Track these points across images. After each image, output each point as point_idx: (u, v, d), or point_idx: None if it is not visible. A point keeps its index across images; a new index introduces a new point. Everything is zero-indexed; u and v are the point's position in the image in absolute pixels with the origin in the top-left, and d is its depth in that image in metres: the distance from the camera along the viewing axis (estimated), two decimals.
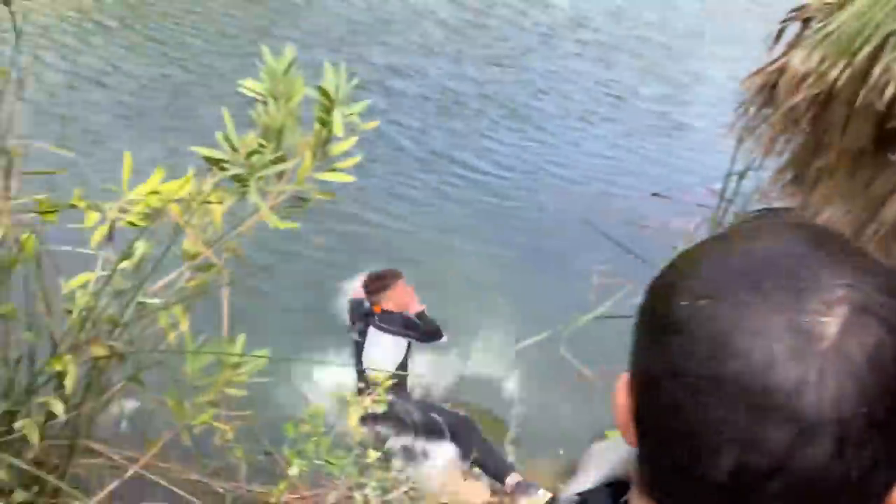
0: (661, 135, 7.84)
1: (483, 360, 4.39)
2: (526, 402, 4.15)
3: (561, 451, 3.80)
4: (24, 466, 1.93)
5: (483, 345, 4.49)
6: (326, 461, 2.73)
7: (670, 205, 6.54)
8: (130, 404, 2.61)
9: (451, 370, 4.28)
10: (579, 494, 0.59)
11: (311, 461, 2.68)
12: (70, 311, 2.11)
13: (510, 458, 3.73)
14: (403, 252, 5.17)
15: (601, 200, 6.56)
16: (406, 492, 3.06)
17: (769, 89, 4.33)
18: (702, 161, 7.23)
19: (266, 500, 2.72)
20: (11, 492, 2.13)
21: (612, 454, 0.60)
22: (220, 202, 2.03)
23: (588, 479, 0.60)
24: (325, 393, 3.41)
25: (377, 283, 3.88)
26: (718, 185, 6.14)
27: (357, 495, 2.90)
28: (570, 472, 0.72)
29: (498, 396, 4.21)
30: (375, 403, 2.77)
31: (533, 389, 4.22)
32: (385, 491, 3.00)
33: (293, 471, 2.49)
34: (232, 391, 2.08)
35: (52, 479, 2.12)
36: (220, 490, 2.50)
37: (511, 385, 4.26)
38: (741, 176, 5.29)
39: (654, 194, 6.66)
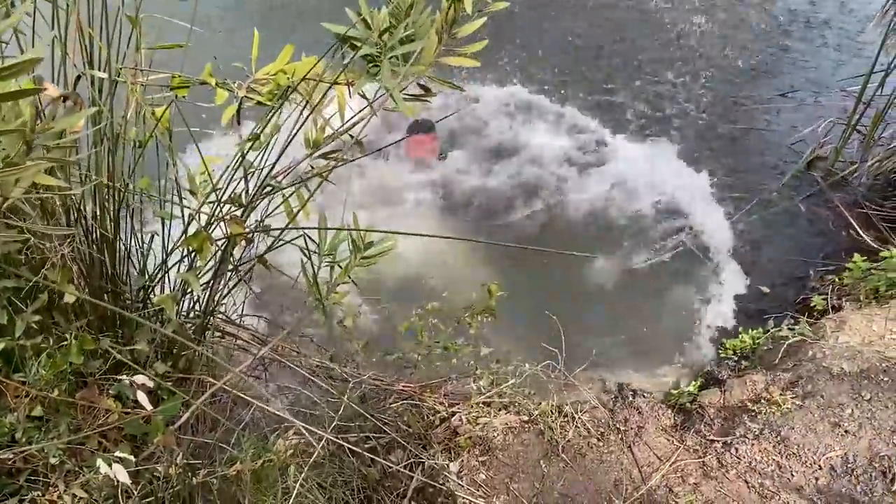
0: (793, 33, 7.19)
1: None
2: None
3: None
4: (168, 333, 1.97)
5: None
6: (445, 348, 2.74)
7: (799, 107, 6.07)
8: (255, 287, 2.64)
9: None
10: None
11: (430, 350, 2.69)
12: (194, 194, 2.10)
13: None
14: None
15: (724, 102, 6.14)
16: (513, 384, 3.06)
17: None
18: (839, 62, 6.63)
19: (384, 386, 2.77)
20: (151, 364, 2.21)
21: None
22: (352, 83, 1.93)
23: None
24: None
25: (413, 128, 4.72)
26: (855, 87, 5.64)
27: (472, 384, 2.92)
28: None
29: None
30: None
31: None
32: (496, 384, 3.01)
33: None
34: (361, 271, 2.04)
35: (193, 346, 2.18)
36: (346, 375, 2.54)
37: None
38: (887, 72, 4.78)
39: (782, 95, 6.15)
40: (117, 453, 1.71)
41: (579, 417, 2.92)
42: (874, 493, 2.50)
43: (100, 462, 1.62)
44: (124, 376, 1.84)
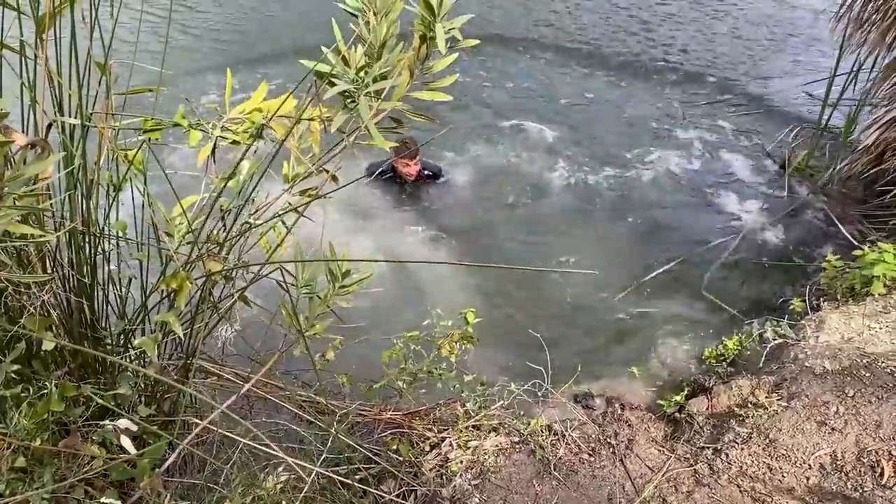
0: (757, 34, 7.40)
1: None
2: None
3: None
4: (151, 374, 1.96)
5: None
6: (430, 372, 2.74)
7: (765, 109, 6.21)
8: (236, 324, 2.64)
9: None
10: None
11: (415, 377, 2.69)
12: (170, 235, 2.11)
13: None
14: None
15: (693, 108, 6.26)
16: (501, 406, 3.06)
17: None
18: (799, 62, 6.83)
19: (372, 417, 2.76)
20: (134, 408, 2.19)
21: None
22: (330, 118, 1.95)
23: None
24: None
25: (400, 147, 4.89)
26: (816, 90, 5.78)
27: (459, 408, 2.92)
28: None
29: None
30: None
31: None
32: (483, 407, 3.01)
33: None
34: (342, 303, 2.05)
35: (177, 385, 2.16)
36: (333, 407, 2.53)
37: None
38: (850, 76, 4.90)
39: (749, 101, 6.29)
40: (104, 500, 1.70)
41: (569, 434, 2.92)
42: (864, 489, 2.52)
43: None
44: (107, 422, 1.83)
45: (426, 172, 5.19)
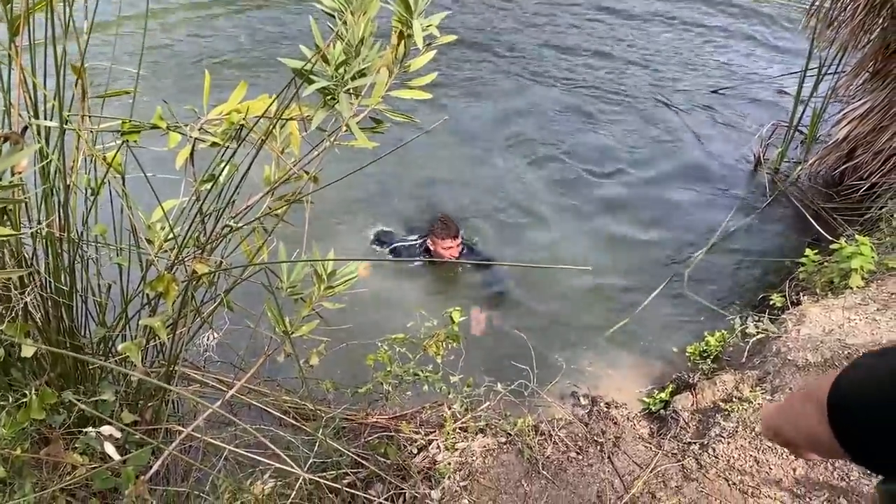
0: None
1: None
2: None
3: None
4: (137, 375, 1.92)
5: None
6: (416, 374, 2.72)
7: (736, 105, 6.28)
8: (218, 331, 2.60)
9: None
10: None
11: (401, 379, 2.67)
12: (151, 241, 2.07)
13: None
14: None
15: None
16: (488, 406, 3.05)
17: None
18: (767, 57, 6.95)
19: (359, 421, 2.74)
20: (117, 416, 2.14)
21: None
22: (308, 117, 1.93)
23: None
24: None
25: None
26: (789, 86, 5.86)
27: (446, 410, 2.90)
28: None
29: None
30: None
31: None
32: (470, 408, 3.00)
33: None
34: (327, 305, 2.03)
35: (165, 385, 2.12)
36: (318, 412, 2.50)
37: None
38: (820, 73, 4.96)
39: (715, 91, 6.36)
40: None
41: (556, 433, 2.92)
42: (850, 479, 2.54)
43: None
44: (90, 429, 1.78)
45: (466, 250, 4.56)
